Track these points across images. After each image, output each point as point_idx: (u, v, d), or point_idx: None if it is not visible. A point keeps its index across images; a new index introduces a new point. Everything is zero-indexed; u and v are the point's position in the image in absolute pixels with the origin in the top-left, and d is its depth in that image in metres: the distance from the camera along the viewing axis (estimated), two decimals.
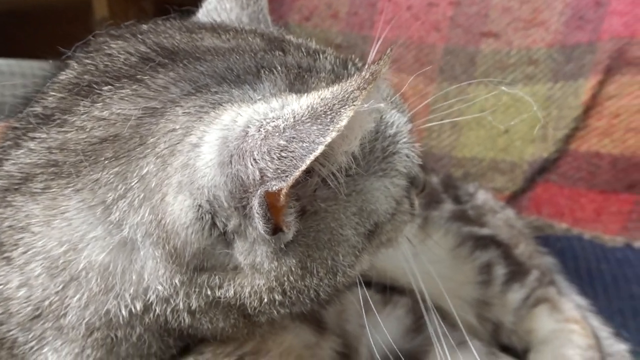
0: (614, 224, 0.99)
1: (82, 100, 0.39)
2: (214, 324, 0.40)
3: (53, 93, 0.42)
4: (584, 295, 0.77)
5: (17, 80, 1.24)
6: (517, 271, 0.70)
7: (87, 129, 0.38)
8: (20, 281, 0.39)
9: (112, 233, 0.37)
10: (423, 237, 0.62)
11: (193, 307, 0.38)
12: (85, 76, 0.41)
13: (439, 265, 0.57)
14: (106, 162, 0.37)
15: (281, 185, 0.32)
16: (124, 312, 0.38)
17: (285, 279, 0.38)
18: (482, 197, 0.83)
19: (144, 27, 0.46)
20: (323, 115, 0.31)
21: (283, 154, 0.32)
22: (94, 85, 0.40)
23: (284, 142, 0.32)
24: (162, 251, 0.37)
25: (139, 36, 0.44)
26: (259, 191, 0.33)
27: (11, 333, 0.40)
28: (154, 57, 0.41)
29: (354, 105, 0.31)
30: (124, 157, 0.37)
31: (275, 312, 0.40)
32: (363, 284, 0.60)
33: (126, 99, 0.38)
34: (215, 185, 0.34)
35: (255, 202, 0.34)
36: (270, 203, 0.34)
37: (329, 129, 0.31)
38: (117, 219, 0.37)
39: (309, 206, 0.37)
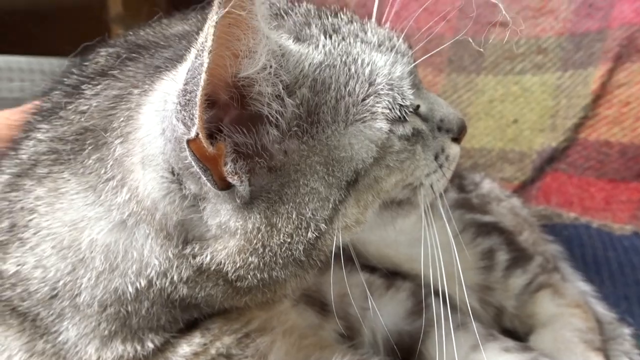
0: (623, 213, 0.98)
1: (72, 98, 0.45)
2: (206, 292, 0.42)
3: (56, 92, 0.47)
4: (590, 282, 0.77)
5: (36, 77, 1.28)
6: (519, 257, 0.70)
7: (75, 122, 0.43)
8: (35, 262, 0.42)
9: (109, 214, 0.40)
10: (426, 224, 0.63)
11: (185, 278, 0.41)
12: (76, 78, 0.47)
13: (442, 251, 0.58)
14: (89, 149, 0.41)
15: (195, 129, 0.34)
16: (130, 288, 0.40)
17: (253, 237, 0.39)
18: (488, 186, 0.84)
19: (133, 31, 0.50)
20: (200, 48, 0.34)
21: (186, 97, 0.34)
22: (79, 86, 0.45)
23: (183, 87, 0.35)
24: (151, 228, 0.39)
25: (121, 39, 0.49)
26: (183, 141, 0.35)
27: (33, 309, 0.42)
28: (125, 53, 0.45)
29: (213, 23, 0.32)
30: (101, 144, 0.41)
31: (254, 277, 0.41)
32: (367, 269, 0.62)
33: (100, 93, 0.43)
34: (164, 153, 0.38)
35: (184, 150, 0.36)
36: (202, 154, 0.35)
37: (203, 53, 0.33)
38: (108, 201, 0.40)
39: (271, 161, 0.39)
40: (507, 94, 1.14)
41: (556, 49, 1.10)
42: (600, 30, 1.06)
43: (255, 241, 0.39)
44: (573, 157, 1.07)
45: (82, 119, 0.42)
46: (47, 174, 0.42)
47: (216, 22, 0.32)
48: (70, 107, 0.44)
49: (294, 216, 0.39)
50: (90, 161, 0.41)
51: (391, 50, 0.44)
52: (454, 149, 0.49)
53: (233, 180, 0.37)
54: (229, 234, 0.39)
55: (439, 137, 0.48)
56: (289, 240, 0.40)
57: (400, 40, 0.45)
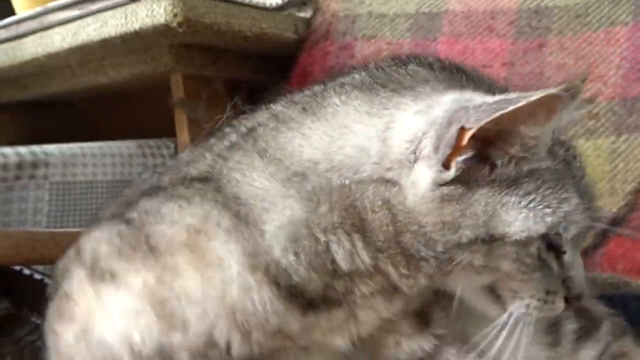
0: None
1: None
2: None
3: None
4: None
5: (107, 161, 1.39)
6: (588, 325, 0.68)
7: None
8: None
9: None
10: None
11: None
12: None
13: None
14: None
15: (475, 126, 0.48)
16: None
17: (419, 205, 0.50)
18: None
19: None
20: (521, 96, 0.47)
21: (483, 108, 0.48)
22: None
23: (489, 103, 0.48)
24: None
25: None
26: (459, 125, 0.48)
27: None
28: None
29: (544, 93, 0.47)
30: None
31: (394, 239, 0.51)
32: None
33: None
34: (439, 121, 0.50)
35: (453, 130, 0.48)
36: (459, 140, 0.48)
37: (519, 102, 0.47)
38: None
39: (471, 176, 0.50)
40: None
41: (608, 113, 1.09)
42: None
43: (417, 210, 0.50)
44: (636, 221, 1.04)
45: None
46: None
47: (547, 95, 0.47)
48: None
49: (456, 213, 0.50)
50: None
51: (586, 211, 0.54)
52: (559, 303, 0.56)
53: (453, 166, 0.50)
54: (411, 190, 0.50)
55: (559, 285, 0.55)
56: (438, 223, 0.50)
57: (594, 218, 0.56)
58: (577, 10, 1.17)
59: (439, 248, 0.51)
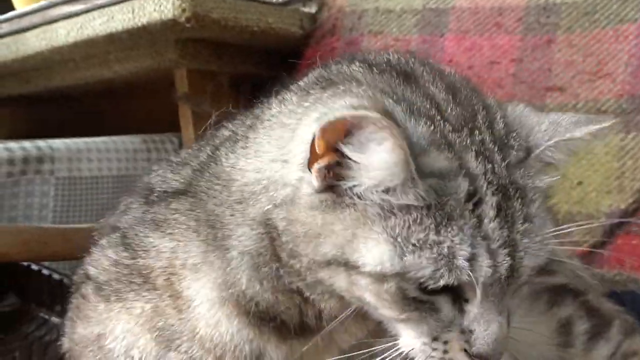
0: None
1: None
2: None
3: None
4: None
5: (111, 156, 1.38)
6: (600, 324, 0.68)
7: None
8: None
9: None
10: None
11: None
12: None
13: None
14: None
15: (318, 131, 0.44)
16: None
17: (298, 211, 0.47)
18: None
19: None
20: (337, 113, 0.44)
21: (328, 119, 0.44)
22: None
23: (341, 115, 0.44)
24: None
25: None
26: (317, 130, 0.44)
27: None
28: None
29: (338, 114, 0.43)
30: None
31: (278, 243, 0.50)
32: None
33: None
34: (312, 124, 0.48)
35: (315, 136, 0.45)
36: (312, 148, 0.45)
37: (326, 117, 0.43)
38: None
39: (339, 194, 0.46)
40: None
41: (616, 110, 1.10)
42: None
43: (299, 209, 0.47)
44: None
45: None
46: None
47: (335, 118, 0.43)
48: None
49: (318, 227, 0.47)
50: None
51: (490, 258, 0.45)
52: (455, 355, 0.48)
53: (314, 172, 0.46)
54: (292, 185, 0.48)
55: (454, 333, 0.48)
56: (304, 234, 0.47)
57: (505, 266, 0.46)
58: (586, 7, 1.17)
59: (304, 263, 0.48)
